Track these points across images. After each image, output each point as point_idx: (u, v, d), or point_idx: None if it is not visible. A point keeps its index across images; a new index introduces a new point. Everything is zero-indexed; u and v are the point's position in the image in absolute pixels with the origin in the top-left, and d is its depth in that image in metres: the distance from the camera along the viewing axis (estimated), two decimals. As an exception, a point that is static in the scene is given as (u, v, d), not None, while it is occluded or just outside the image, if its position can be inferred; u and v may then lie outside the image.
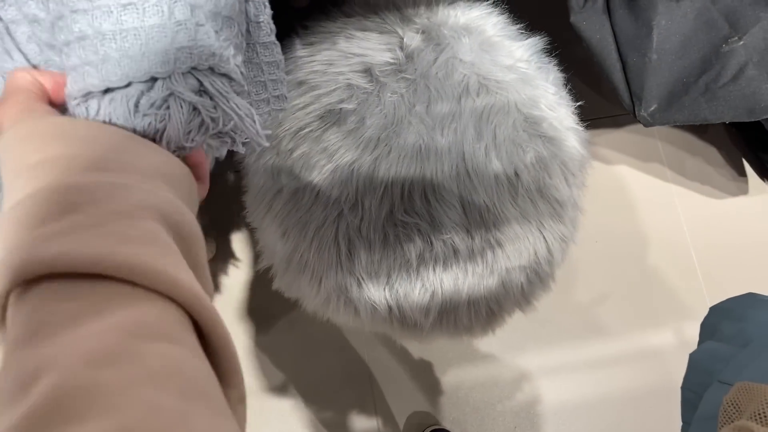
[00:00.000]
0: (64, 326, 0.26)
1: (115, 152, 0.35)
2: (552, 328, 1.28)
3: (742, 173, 1.41)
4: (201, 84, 0.39)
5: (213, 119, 0.40)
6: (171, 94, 0.38)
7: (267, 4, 0.46)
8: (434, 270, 0.70)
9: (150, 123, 0.38)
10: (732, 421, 0.47)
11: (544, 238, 0.73)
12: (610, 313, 1.31)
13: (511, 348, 1.27)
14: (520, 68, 0.77)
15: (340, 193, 0.72)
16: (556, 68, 0.80)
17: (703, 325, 0.70)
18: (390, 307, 0.71)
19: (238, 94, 0.41)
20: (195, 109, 0.39)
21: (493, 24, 0.79)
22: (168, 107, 0.38)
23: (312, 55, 0.77)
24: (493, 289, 0.72)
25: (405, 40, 0.76)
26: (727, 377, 0.56)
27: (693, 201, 1.39)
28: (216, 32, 0.39)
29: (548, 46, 0.80)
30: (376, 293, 0.70)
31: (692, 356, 0.65)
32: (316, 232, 0.72)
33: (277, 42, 0.46)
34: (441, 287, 0.70)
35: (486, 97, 0.75)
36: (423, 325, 0.72)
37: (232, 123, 0.40)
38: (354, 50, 0.76)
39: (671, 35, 0.81)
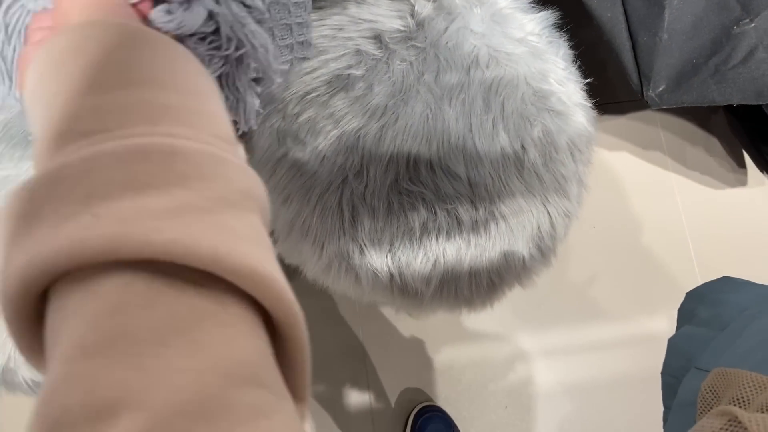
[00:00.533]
0: (153, 346, 0.22)
1: (199, 98, 0.29)
2: (547, 310, 1.28)
3: (742, 165, 1.42)
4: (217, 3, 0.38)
5: (228, 38, 0.38)
6: None
7: None
8: (437, 240, 0.70)
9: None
10: (710, 407, 0.47)
11: (548, 212, 0.73)
12: (605, 298, 1.31)
13: (505, 328, 1.27)
14: (530, 41, 0.77)
15: (345, 159, 0.71)
16: (566, 44, 0.80)
17: (680, 311, 0.71)
18: (391, 275, 0.71)
19: (258, 22, 0.40)
20: (211, 18, 0.37)
21: (506, -5, 0.78)
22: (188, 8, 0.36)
23: (321, 19, 0.76)
24: (495, 261, 0.71)
25: (416, 7, 0.75)
26: (704, 363, 0.56)
27: (692, 190, 1.40)
28: None
29: (559, 21, 0.80)
30: (378, 260, 0.70)
31: (671, 341, 0.66)
32: (319, 198, 0.71)
33: None
34: (443, 257, 0.70)
35: (495, 69, 0.75)
36: (424, 294, 0.72)
37: (244, 49, 0.39)
38: (364, 16, 0.75)
39: (683, 15, 0.80)
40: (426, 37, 0.75)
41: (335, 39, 0.74)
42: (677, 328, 0.68)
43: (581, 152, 0.76)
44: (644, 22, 0.83)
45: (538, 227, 0.73)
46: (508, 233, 0.71)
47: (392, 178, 0.71)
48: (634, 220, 1.37)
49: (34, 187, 0.24)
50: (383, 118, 0.72)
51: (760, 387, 0.42)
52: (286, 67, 0.45)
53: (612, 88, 1.36)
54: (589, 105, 0.78)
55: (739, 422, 0.34)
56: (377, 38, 0.74)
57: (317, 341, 1.20)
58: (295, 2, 0.46)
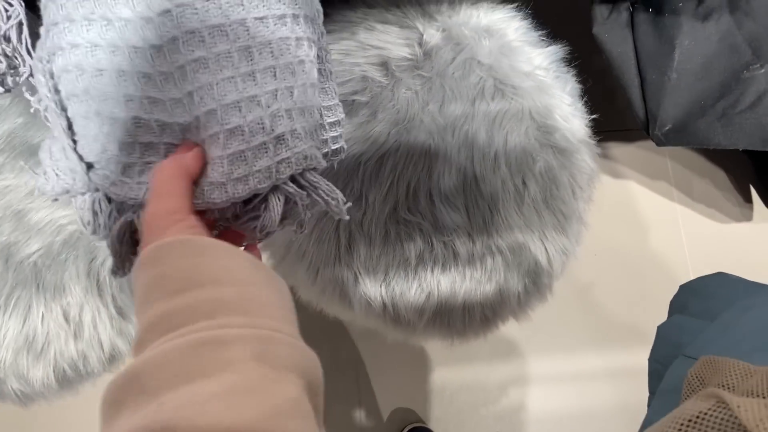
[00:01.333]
0: None
1: (252, 288, 0.35)
2: (543, 337, 1.27)
3: (749, 200, 1.41)
4: (295, 180, 0.41)
5: (305, 206, 0.42)
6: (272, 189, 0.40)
7: (332, 71, 0.46)
8: (432, 271, 0.70)
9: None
10: (695, 393, 0.47)
11: (545, 249, 0.72)
12: (603, 327, 1.30)
13: (500, 353, 1.26)
14: (538, 76, 0.76)
15: (344, 185, 0.71)
16: (573, 79, 0.79)
17: (672, 302, 0.71)
18: (384, 304, 0.71)
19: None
20: (289, 200, 0.41)
21: (515, 28, 0.78)
22: (267, 200, 0.40)
23: (329, 44, 0.76)
24: (490, 296, 0.71)
25: (425, 36, 0.75)
26: (693, 352, 0.56)
27: (697, 222, 1.39)
28: (305, 131, 0.41)
29: (568, 56, 0.79)
30: (372, 289, 0.70)
31: (660, 329, 0.66)
32: (317, 223, 0.71)
33: (339, 102, 0.47)
34: (437, 289, 0.70)
35: (501, 102, 0.74)
36: (416, 324, 0.71)
37: (318, 206, 0.42)
38: (372, 42, 0.75)
39: (693, 56, 0.80)
40: (433, 67, 0.74)
41: (342, 64, 0.74)
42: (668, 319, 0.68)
43: (582, 190, 0.75)
44: (654, 60, 0.82)
45: (535, 263, 0.72)
46: (504, 268, 0.71)
47: (391, 206, 0.71)
48: (636, 248, 1.36)
49: (123, 379, 0.31)
50: (385, 146, 0.72)
51: (746, 374, 0.42)
52: (350, 203, 0.48)
53: (620, 116, 1.35)
54: (594, 142, 0.77)
55: (726, 405, 0.33)
56: (384, 65, 0.74)
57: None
58: (330, 122, 0.46)
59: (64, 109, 0.37)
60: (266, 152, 0.38)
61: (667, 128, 0.82)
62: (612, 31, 0.86)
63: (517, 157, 0.73)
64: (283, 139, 0.39)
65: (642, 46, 0.84)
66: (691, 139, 0.82)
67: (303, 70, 0.39)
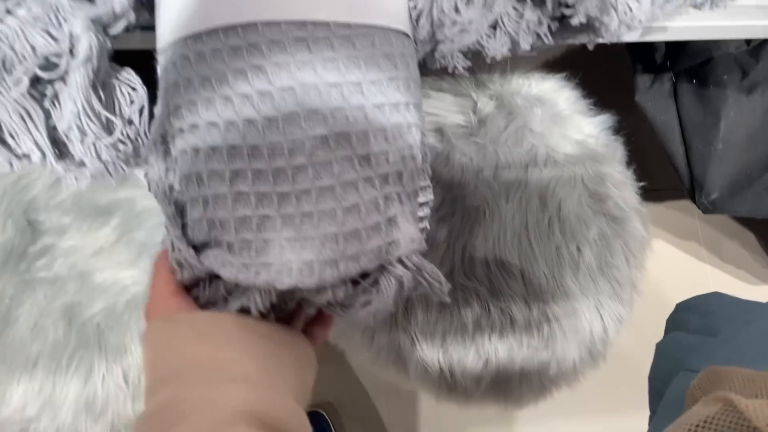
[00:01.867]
0: None
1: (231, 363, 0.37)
2: (560, 402, 1.26)
3: (777, 261, 1.41)
4: (401, 261, 0.41)
5: (409, 288, 0.42)
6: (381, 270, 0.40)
7: (428, 153, 0.47)
8: (490, 338, 0.70)
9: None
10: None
11: (601, 317, 0.73)
12: (628, 394, 1.28)
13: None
14: (588, 144, 0.78)
15: (401, 249, 0.72)
16: (622, 146, 0.81)
17: (669, 321, 0.71)
18: (441, 370, 0.70)
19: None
20: (400, 282, 0.41)
21: (566, 98, 0.80)
22: (377, 282, 0.40)
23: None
24: (546, 363, 0.71)
25: (479, 104, 0.77)
26: (695, 365, 0.55)
27: (727, 284, 1.38)
28: (412, 214, 0.42)
29: (616, 125, 0.81)
30: (429, 354, 0.70)
31: (659, 346, 0.65)
32: (373, 286, 0.72)
33: (431, 184, 0.48)
34: (495, 356, 0.70)
35: (553, 169, 0.76)
36: (472, 392, 0.71)
37: (420, 287, 0.43)
38: (428, 109, 0.77)
39: (739, 127, 0.81)
40: (486, 134, 0.76)
41: (399, 130, 0.76)
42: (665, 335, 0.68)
43: (635, 257, 0.76)
44: (699, 130, 0.84)
45: (590, 332, 0.72)
46: (560, 336, 0.71)
47: (447, 270, 0.72)
48: (665, 310, 1.35)
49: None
50: (440, 211, 0.73)
51: (749, 380, 0.42)
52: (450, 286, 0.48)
53: (651, 175, 1.36)
54: (644, 209, 0.78)
55: (735, 407, 0.33)
56: (439, 131, 0.76)
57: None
58: (421, 203, 0.45)
59: (180, 193, 0.38)
60: (379, 232, 0.39)
61: (713, 197, 0.84)
62: (655, 100, 0.88)
63: (571, 224, 0.74)
64: (395, 221, 0.40)
65: (686, 115, 0.85)
66: (738, 208, 0.83)
67: (412, 156, 0.41)
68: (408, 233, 0.41)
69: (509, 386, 0.71)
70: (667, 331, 0.70)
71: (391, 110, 0.39)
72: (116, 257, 0.68)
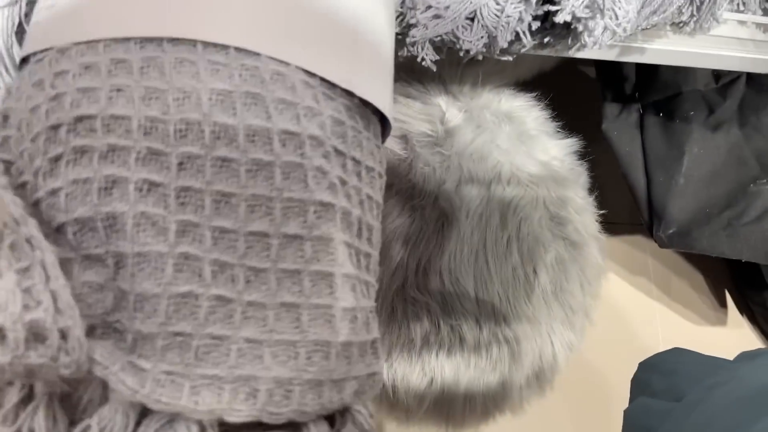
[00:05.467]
0: None
1: None
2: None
3: (724, 304, 1.43)
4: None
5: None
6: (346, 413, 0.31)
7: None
8: (437, 355, 0.67)
9: None
10: None
11: (551, 342, 0.71)
12: (573, 421, 1.27)
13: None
14: (553, 166, 0.77)
15: (353, 255, 0.69)
16: (586, 172, 0.80)
17: (633, 381, 0.71)
18: (384, 385, 0.67)
19: None
20: None
21: (534, 117, 0.79)
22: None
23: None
24: (492, 387, 0.68)
25: (447, 115, 0.75)
26: None
27: (673, 322, 1.39)
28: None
29: (582, 150, 0.80)
30: (372, 369, 0.66)
31: (627, 413, 0.65)
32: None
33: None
34: (441, 375, 0.67)
35: (516, 188, 0.74)
36: (414, 412, 0.68)
37: None
38: (395, 114, 0.74)
39: (702, 164, 0.81)
40: (453, 145, 0.74)
41: (362, 132, 0.73)
42: (630, 400, 0.67)
43: (590, 285, 0.74)
44: (662, 162, 0.84)
45: (540, 357, 0.70)
46: (509, 359, 0.69)
47: (399, 283, 0.69)
48: (612, 342, 1.35)
49: None
50: (398, 220, 0.70)
51: None
52: None
53: (607, 208, 1.37)
54: (603, 237, 0.77)
55: None
56: (404, 138, 0.73)
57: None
58: None
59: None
60: (365, 356, 0.31)
61: (671, 231, 0.83)
62: (621, 130, 0.88)
63: (529, 246, 0.72)
64: (377, 345, 0.32)
65: (651, 147, 0.85)
66: (694, 245, 0.83)
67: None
68: (381, 365, 0.32)
69: (452, 407, 0.68)
70: (631, 392, 0.69)
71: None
72: None
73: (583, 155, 0.81)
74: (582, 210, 0.76)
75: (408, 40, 0.42)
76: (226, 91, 0.28)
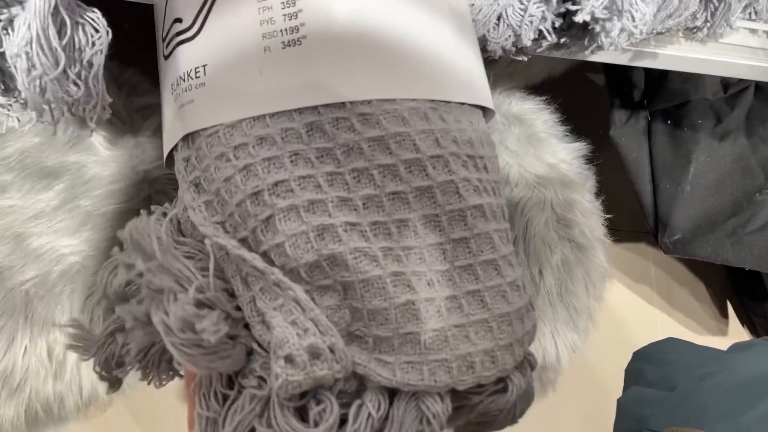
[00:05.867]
0: None
1: None
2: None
3: (725, 315, 1.43)
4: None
5: None
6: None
7: None
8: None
9: None
10: None
11: (555, 343, 0.71)
12: (571, 423, 1.28)
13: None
14: (561, 168, 0.77)
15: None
16: (594, 177, 0.81)
17: (627, 371, 0.72)
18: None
19: None
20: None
21: (544, 120, 0.79)
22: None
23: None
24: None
25: (457, 115, 0.76)
26: (655, 424, 0.56)
27: (674, 330, 1.40)
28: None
29: (590, 155, 0.81)
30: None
31: (620, 402, 0.66)
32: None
33: None
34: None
35: (524, 190, 0.75)
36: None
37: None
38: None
39: (708, 172, 0.82)
40: (462, 146, 0.75)
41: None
42: (624, 389, 0.68)
43: (595, 287, 0.75)
44: (668, 170, 0.85)
45: (543, 357, 0.71)
46: (513, 358, 0.69)
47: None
48: (612, 349, 1.36)
49: None
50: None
51: None
52: None
53: (611, 215, 1.38)
54: (609, 241, 0.78)
55: None
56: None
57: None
58: None
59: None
60: (523, 318, 0.38)
61: (676, 237, 0.84)
62: (628, 137, 0.89)
63: (536, 247, 0.72)
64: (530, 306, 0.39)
65: (658, 154, 0.86)
66: (699, 252, 0.84)
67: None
68: (535, 317, 0.40)
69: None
70: (625, 381, 0.70)
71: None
72: (57, 224, 0.64)
73: (590, 159, 0.81)
74: (588, 213, 0.76)
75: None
76: (380, 137, 0.35)
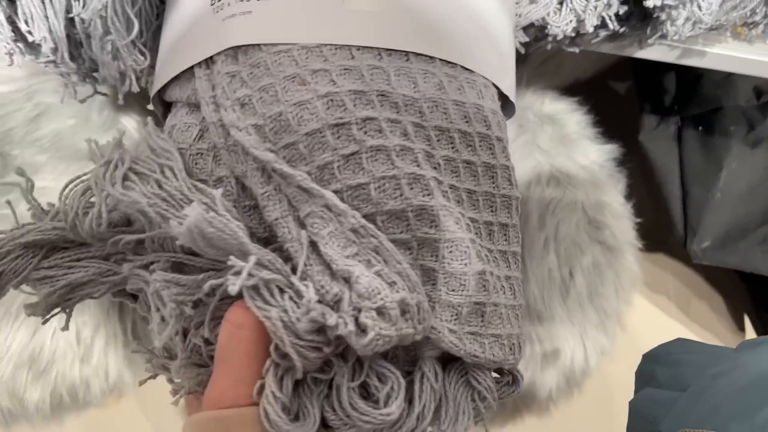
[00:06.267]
0: None
1: None
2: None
3: (742, 328, 1.42)
4: None
5: None
6: None
7: None
8: (470, 350, 0.67)
9: None
10: None
11: (584, 345, 0.70)
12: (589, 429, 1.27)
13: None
14: (593, 170, 0.77)
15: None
16: (625, 179, 0.80)
17: (638, 373, 0.71)
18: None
19: None
20: None
21: (576, 121, 0.79)
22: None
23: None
24: (524, 386, 0.68)
25: (490, 113, 0.75)
26: (668, 426, 0.55)
27: (690, 342, 1.39)
28: None
29: (622, 158, 0.80)
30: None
31: (632, 404, 0.64)
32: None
33: None
34: (473, 370, 0.67)
35: (555, 190, 0.74)
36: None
37: None
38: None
39: (739, 179, 0.81)
40: (494, 143, 0.74)
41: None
42: (636, 391, 0.67)
43: (625, 290, 0.74)
44: (699, 176, 0.84)
45: (572, 359, 0.70)
46: (541, 358, 0.68)
47: (435, 275, 0.69)
48: (628, 358, 1.35)
49: None
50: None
51: None
52: None
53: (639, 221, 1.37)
54: (639, 245, 0.77)
55: None
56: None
57: None
58: None
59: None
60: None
61: (705, 244, 0.83)
62: (658, 142, 0.88)
63: (566, 248, 0.72)
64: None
65: (688, 160, 0.85)
66: (729, 260, 0.83)
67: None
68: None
69: (483, 404, 0.68)
70: (636, 383, 0.69)
71: None
72: (89, 206, 0.63)
73: (621, 162, 0.81)
74: (619, 216, 0.76)
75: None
76: (462, 102, 0.33)
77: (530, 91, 0.79)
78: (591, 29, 0.41)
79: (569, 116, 0.79)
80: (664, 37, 0.43)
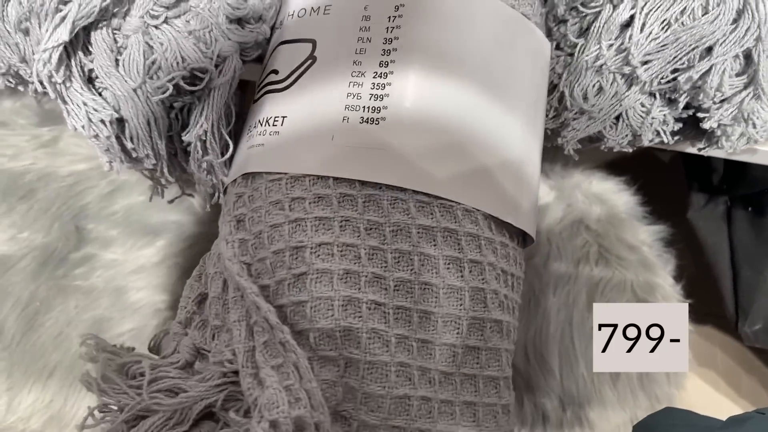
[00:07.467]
0: None
1: None
2: None
3: (795, 406, 1.37)
4: None
5: None
6: None
7: None
8: (520, 432, 0.67)
9: None
10: None
11: None
12: None
13: None
14: (642, 251, 0.77)
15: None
16: (674, 260, 0.80)
17: None
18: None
19: None
20: None
21: (624, 201, 0.80)
22: None
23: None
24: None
25: (539, 193, 0.77)
26: None
27: (740, 420, 1.34)
28: None
29: (670, 237, 0.81)
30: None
31: None
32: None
33: None
34: (523, 454, 0.66)
35: (604, 270, 0.75)
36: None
37: None
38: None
39: (791, 261, 0.80)
40: (542, 222, 0.75)
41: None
42: None
43: (676, 375, 0.73)
44: (749, 257, 0.83)
45: (622, 445, 0.69)
46: (592, 444, 0.68)
47: (484, 354, 0.69)
48: (675, 435, 1.30)
49: None
50: (486, 291, 0.71)
51: None
52: None
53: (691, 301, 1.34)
54: (692, 329, 0.77)
55: None
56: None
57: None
58: None
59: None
60: None
61: (757, 327, 0.82)
62: (707, 220, 0.88)
63: (616, 329, 0.72)
64: None
65: (738, 240, 0.85)
66: (782, 343, 0.81)
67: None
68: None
69: (533, 489, 0.67)
70: None
71: None
72: (155, 279, 0.66)
73: (670, 243, 0.81)
74: (670, 297, 0.75)
75: (559, 140, 0.45)
76: (430, 227, 0.36)
77: (579, 171, 0.80)
78: (647, 143, 0.43)
79: (617, 196, 0.80)
80: (719, 149, 0.44)
